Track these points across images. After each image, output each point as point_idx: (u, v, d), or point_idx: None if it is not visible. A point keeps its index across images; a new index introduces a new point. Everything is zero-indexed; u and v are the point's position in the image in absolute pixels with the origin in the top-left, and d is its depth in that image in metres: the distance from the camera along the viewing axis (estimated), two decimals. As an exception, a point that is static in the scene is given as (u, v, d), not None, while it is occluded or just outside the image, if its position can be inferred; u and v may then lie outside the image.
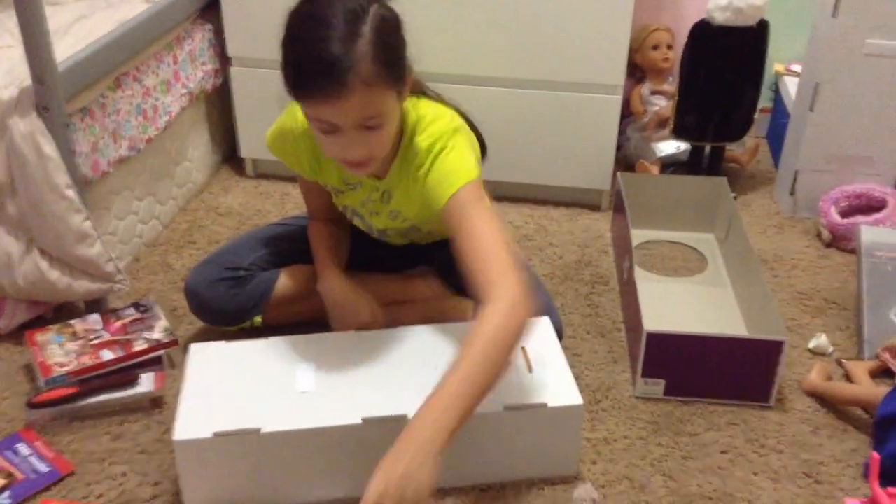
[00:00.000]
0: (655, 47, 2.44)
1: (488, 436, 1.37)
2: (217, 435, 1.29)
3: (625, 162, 2.44)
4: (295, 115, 1.51)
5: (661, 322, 1.61)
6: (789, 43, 2.48)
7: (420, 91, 1.50)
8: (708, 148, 2.32)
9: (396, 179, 1.50)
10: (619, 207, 2.06)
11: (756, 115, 2.32)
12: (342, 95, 1.26)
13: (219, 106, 2.39)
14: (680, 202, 2.13)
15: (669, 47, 2.45)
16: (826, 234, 2.11)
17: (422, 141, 1.43)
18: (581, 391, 1.39)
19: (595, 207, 2.29)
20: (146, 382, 1.58)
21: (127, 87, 1.90)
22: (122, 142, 1.88)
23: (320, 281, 1.63)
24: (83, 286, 1.71)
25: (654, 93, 2.47)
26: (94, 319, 1.69)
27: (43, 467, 1.43)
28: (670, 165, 2.36)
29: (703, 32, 2.16)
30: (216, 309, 1.65)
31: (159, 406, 1.58)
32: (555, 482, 1.42)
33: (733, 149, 2.39)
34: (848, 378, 1.66)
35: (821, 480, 1.44)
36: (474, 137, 1.51)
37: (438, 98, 1.53)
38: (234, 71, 2.27)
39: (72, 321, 1.68)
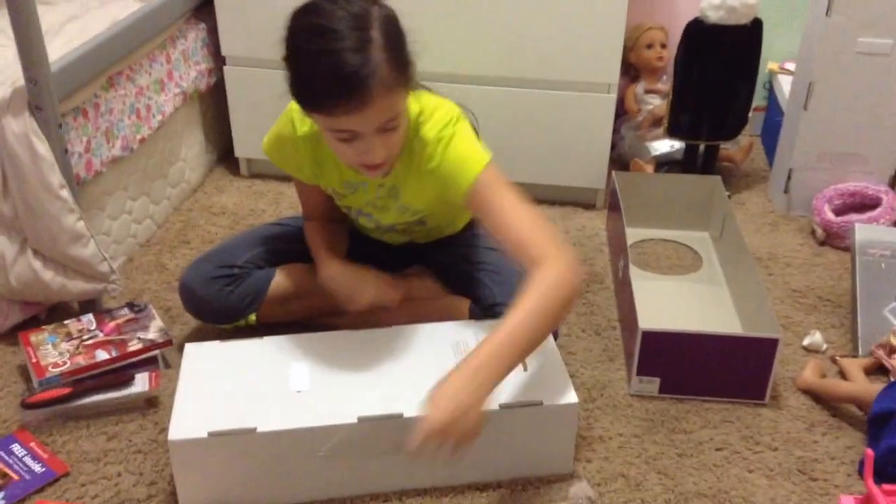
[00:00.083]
0: (649, 46, 2.45)
1: (484, 434, 1.36)
2: (212, 435, 1.29)
3: (619, 161, 2.44)
4: (292, 120, 1.51)
5: (656, 320, 1.61)
6: (783, 41, 2.49)
7: (416, 83, 1.50)
8: (702, 146, 2.33)
9: (404, 174, 1.49)
10: (613, 206, 2.06)
11: (750, 114, 2.33)
12: (365, 105, 1.26)
13: (213, 105, 2.39)
14: (674, 201, 2.13)
15: (663, 46, 2.45)
16: (820, 232, 2.12)
17: (428, 131, 1.44)
18: (576, 389, 1.40)
19: (590, 206, 2.29)
20: (141, 382, 1.57)
21: (120, 87, 1.90)
22: (115, 141, 1.87)
23: (319, 272, 1.63)
24: (77, 286, 1.70)
25: (648, 92, 2.47)
26: (88, 320, 1.68)
27: (38, 468, 1.42)
28: (665, 164, 2.37)
29: (697, 31, 2.17)
30: (210, 307, 1.65)
31: (154, 406, 1.57)
32: (550, 480, 1.42)
33: (727, 147, 2.40)
34: (842, 375, 1.66)
35: (815, 477, 1.44)
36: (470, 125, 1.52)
37: (430, 90, 1.53)
38: (228, 70, 2.27)
39: (66, 321, 1.68)
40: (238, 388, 1.39)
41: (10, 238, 1.66)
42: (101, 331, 1.66)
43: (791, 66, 2.42)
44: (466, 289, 1.67)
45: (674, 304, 1.89)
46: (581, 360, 1.71)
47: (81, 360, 1.58)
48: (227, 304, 1.64)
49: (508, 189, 1.40)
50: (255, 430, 1.30)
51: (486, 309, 1.63)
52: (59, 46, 1.74)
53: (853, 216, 2.08)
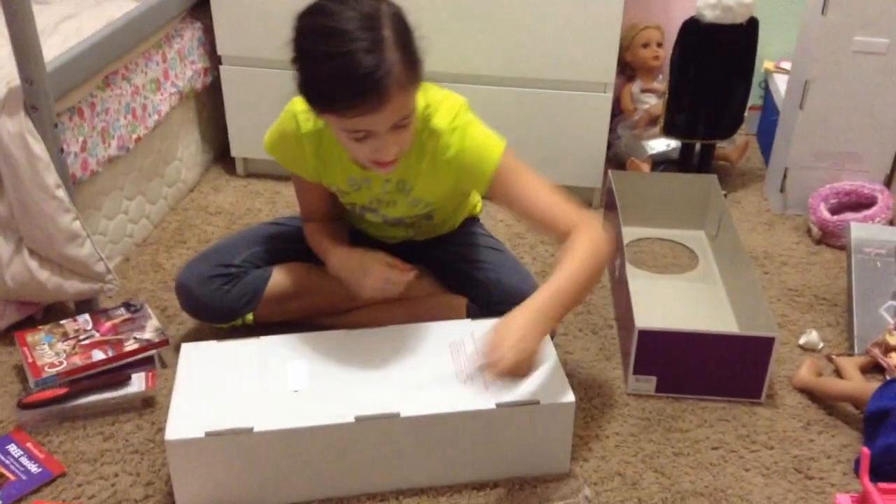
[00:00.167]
0: (645, 45, 2.45)
1: (480, 433, 1.37)
2: (209, 434, 1.29)
3: (615, 160, 2.44)
4: (295, 117, 1.50)
5: (653, 319, 1.61)
6: (779, 40, 2.49)
7: None
8: (698, 146, 2.33)
9: (415, 167, 1.50)
10: (610, 205, 2.07)
11: (746, 113, 2.33)
12: (382, 105, 1.26)
13: (209, 105, 2.39)
14: (671, 200, 2.13)
15: (659, 45, 2.45)
16: (816, 230, 2.12)
17: (439, 122, 1.45)
18: (573, 388, 1.40)
19: (586, 205, 2.30)
20: (137, 382, 1.57)
21: (116, 86, 1.89)
22: (111, 141, 1.87)
23: (328, 262, 1.62)
24: (73, 286, 1.70)
25: (644, 91, 2.47)
26: (85, 320, 1.68)
27: (34, 468, 1.42)
28: (661, 163, 2.37)
29: (693, 30, 2.17)
30: (207, 306, 1.65)
31: (151, 406, 1.57)
32: (547, 479, 1.42)
33: (723, 146, 2.40)
34: (838, 374, 1.67)
35: (812, 476, 1.45)
36: None
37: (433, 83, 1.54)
38: (224, 69, 2.26)
39: (62, 321, 1.68)
40: (235, 387, 1.39)
41: (5, 238, 1.65)
42: (98, 331, 1.65)
43: (787, 65, 2.43)
44: (464, 287, 1.68)
45: (670, 303, 1.89)
46: (578, 359, 1.71)
47: (78, 361, 1.58)
48: (223, 303, 1.64)
49: (527, 170, 1.46)
50: (252, 429, 1.30)
51: (483, 307, 1.63)
52: (55, 46, 1.73)
53: (849, 215, 2.09)
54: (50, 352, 1.60)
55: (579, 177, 2.24)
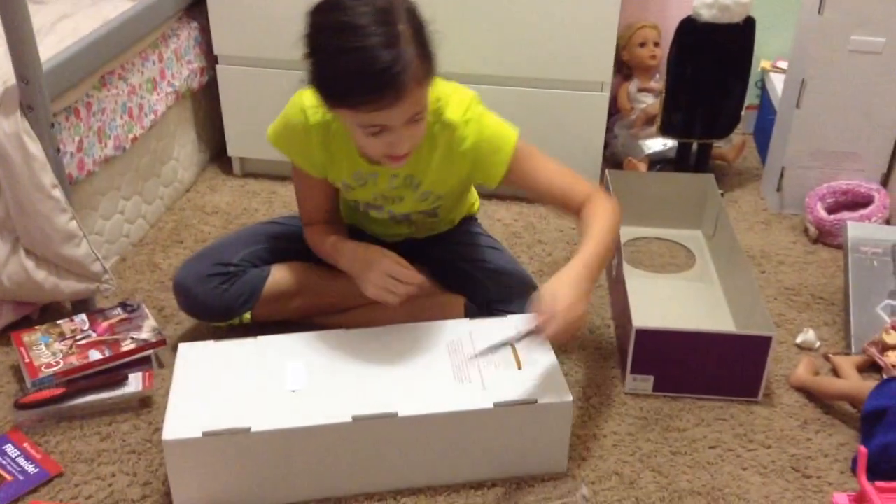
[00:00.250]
0: (642, 44, 2.45)
1: (478, 433, 1.37)
2: (206, 434, 1.29)
3: (612, 159, 2.44)
4: (302, 108, 1.49)
5: (650, 319, 1.61)
6: (775, 39, 2.49)
7: None
8: (695, 145, 2.33)
9: (426, 161, 1.50)
10: (607, 204, 2.06)
11: (743, 112, 2.33)
12: (399, 99, 1.27)
13: (205, 104, 2.38)
14: (668, 199, 2.13)
15: (656, 44, 2.45)
16: (813, 229, 2.12)
17: (452, 115, 1.46)
18: (570, 388, 1.40)
19: (583, 204, 2.29)
20: (134, 382, 1.57)
21: (112, 86, 1.89)
22: (107, 141, 1.87)
23: (340, 258, 1.59)
24: (70, 286, 1.70)
25: (641, 90, 2.47)
26: (81, 320, 1.68)
27: (31, 468, 1.42)
28: (658, 162, 2.37)
29: (690, 29, 2.17)
30: (205, 305, 1.64)
31: (148, 406, 1.57)
32: (545, 479, 1.42)
33: (720, 146, 2.40)
34: (835, 373, 1.67)
35: (809, 475, 1.45)
36: None
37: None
38: (220, 69, 2.26)
39: (59, 321, 1.67)
40: (232, 387, 1.39)
41: (2, 238, 1.65)
42: (95, 331, 1.65)
43: (783, 64, 2.43)
44: (462, 286, 1.68)
45: (667, 302, 1.89)
46: (575, 358, 1.72)
47: (75, 361, 1.57)
48: (221, 302, 1.64)
49: (538, 154, 1.53)
50: (249, 429, 1.30)
51: (481, 306, 1.63)
52: (51, 45, 1.73)
53: (845, 214, 2.09)
54: (47, 352, 1.59)
55: (576, 176, 2.24)
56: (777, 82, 2.40)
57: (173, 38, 2.15)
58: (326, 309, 1.71)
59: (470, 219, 1.82)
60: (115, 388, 1.55)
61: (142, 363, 1.63)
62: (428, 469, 1.39)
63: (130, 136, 1.96)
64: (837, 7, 1.98)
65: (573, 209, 1.52)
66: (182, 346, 1.48)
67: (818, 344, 1.76)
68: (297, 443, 1.32)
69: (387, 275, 1.51)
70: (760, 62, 2.53)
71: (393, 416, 1.33)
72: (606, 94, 2.15)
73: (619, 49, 2.42)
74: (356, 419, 1.32)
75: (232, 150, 2.38)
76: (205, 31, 2.26)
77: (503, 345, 1.41)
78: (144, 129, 2.02)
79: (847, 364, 1.65)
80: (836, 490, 1.41)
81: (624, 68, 2.51)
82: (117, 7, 1.97)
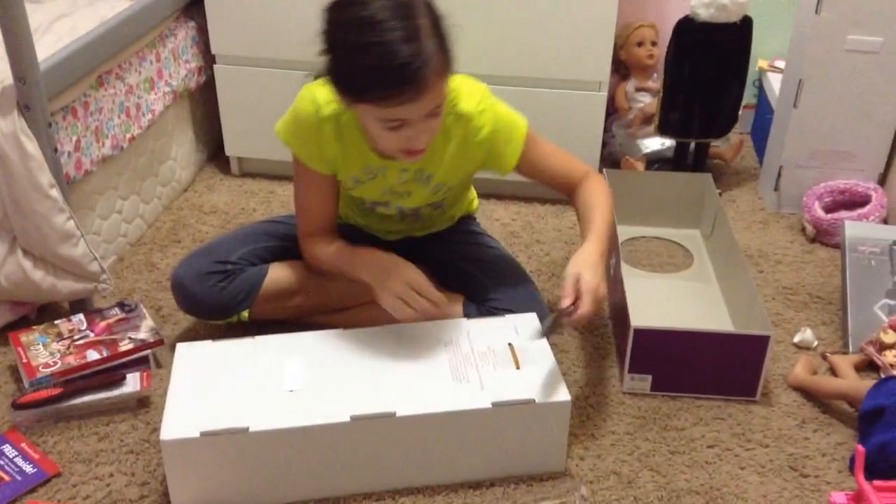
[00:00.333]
0: (640, 44, 2.45)
1: (476, 432, 1.37)
2: (204, 434, 1.29)
3: (610, 159, 2.44)
4: (314, 101, 1.48)
5: (648, 318, 1.61)
6: (773, 39, 2.49)
7: None
8: (693, 144, 2.33)
9: (440, 153, 1.51)
10: (604, 204, 2.06)
11: (740, 112, 2.33)
12: (420, 94, 1.28)
13: (203, 104, 2.38)
14: (665, 198, 2.13)
15: (654, 44, 2.45)
16: (810, 229, 2.12)
17: (466, 106, 1.47)
18: (568, 387, 1.40)
19: (581, 204, 2.29)
20: (132, 382, 1.57)
21: (110, 86, 1.89)
22: (105, 140, 1.87)
23: (354, 264, 1.56)
24: (67, 286, 1.70)
25: (638, 89, 2.47)
26: (79, 319, 1.68)
27: (29, 468, 1.42)
28: (655, 162, 2.37)
29: (687, 29, 2.17)
30: (203, 302, 1.64)
31: (146, 406, 1.57)
32: (543, 478, 1.42)
33: (718, 145, 2.40)
34: (833, 372, 1.67)
35: (807, 474, 1.45)
36: None
37: None
38: (218, 69, 2.26)
39: (56, 321, 1.67)
40: (230, 387, 1.39)
41: (-1, 238, 1.65)
42: (92, 331, 1.65)
43: (781, 63, 2.43)
44: (461, 285, 1.68)
45: (665, 301, 1.89)
46: (573, 357, 1.72)
47: (72, 361, 1.57)
48: (219, 300, 1.64)
49: (543, 140, 1.60)
50: (247, 429, 1.30)
51: (480, 304, 1.63)
52: (48, 45, 1.73)
53: (843, 213, 2.09)
54: (44, 352, 1.59)
55: (574, 176, 2.24)
56: (774, 82, 2.40)
57: (171, 37, 2.15)
58: (324, 308, 1.71)
59: (468, 218, 1.83)
60: (113, 388, 1.55)
61: (139, 363, 1.63)
62: (426, 469, 1.39)
63: (128, 135, 1.96)
64: (835, 7, 1.98)
65: (570, 188, 1.60)
66: (180, 346, 1.48)
67: (816, 343, 1.76)
68: (296, 443, 1.32)
69: (408, 286, 1.48)
70: (758, 62, 2.53)
71: (391, 415, 1.33)
72: (604, 94, 2.15)
73: (617, 48, 2.42)
74: (354, 419, 1.32)
75: (230, 150, 2.37)
76: (202, 30, 2.26)
77: (551, 326, 1.45)
78: (142, 128, 2.02)
79: (845, 363, 1.65)
80: (833, 489, 1.41)
81: (621, 68, 2.51)
82: (114, 6, 1.97)
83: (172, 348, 1.49)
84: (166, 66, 2.13)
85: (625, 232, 2.10)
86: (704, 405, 1.60)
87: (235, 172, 2.41)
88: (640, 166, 2.32)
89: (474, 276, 1.67)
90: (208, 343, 1.49)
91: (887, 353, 1.65)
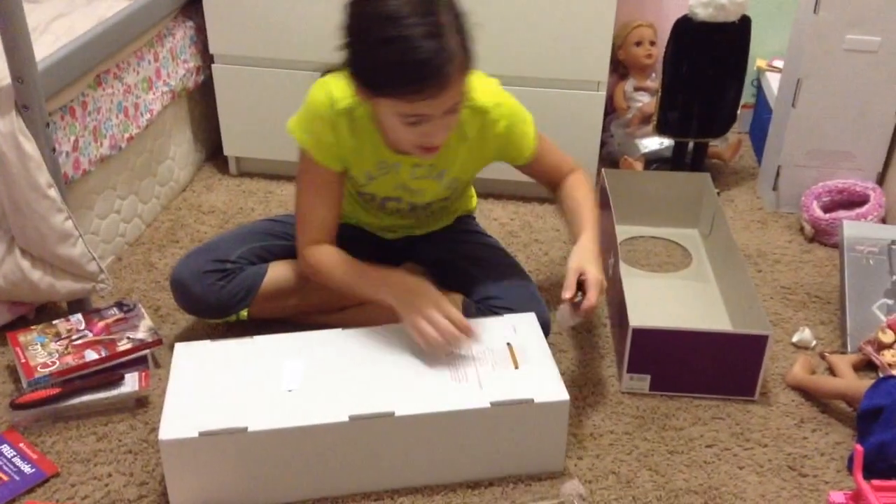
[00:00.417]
0: (638, 43, 2.45)
1: (475, 432, 1.37)
2: (203, 434, 1.29)
3: (609, 158, 2.44)
4: (329, 95, 1.47)
5: (647, 318, 1.61)
6: (771, 38, 2.50)
7: None
8: (691, 144, 2.33)
9: (455, 148, 1.52)
10: (603, 203, 2.06)
11: (738, 111, 2.33)
12: (442, 90, 1.29)
13: (201, 103, 2.38)
14: (664, 198, 2.13)
15: (652, 43, 2.45)
16: (809, 228, 2.12)
17: (482, 99, 1.48)
18: (567, 387, 1.40)
19: (579, 204, 2.29)
20: (131, 382, 1.57)
21: (108, 85, 1.89)
22: (103, 140, 1.86)
23: (379, 285, 1.50)
24: (65, 286, 1.69)
25: (637, 89, 2.47)
26: (77, 319, 1.67)
27: (27, 468, 1.41)
28: (654, 161, 2.37)
29: (686, 28, 2.17)
30: (202, 301, 1.64)
31: (144, 406, 1.57)
32: (541, 478, 1.42)
33: (716, 145, 2.40)
34: (831, 372, 1.67)
35: (805, 473, 1.45)
36: None
37: None
38: (216, 68, 2.26)
39: (54, 321, 1.67)
40: (229, 387, 1.39)
41: (-3, 238, 1.65)
42: (91, 331, 1.65)
43: (779, 63, 2.43)
44: (460, 283, 1.68)
45: (664, 301, 1.90)
46: (572, 357, 1.72)
47: (70, 361, 1.57)
48: (218, 299, 1.64)
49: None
50: (246, 429, 1.30)
51: (479, 302, 1.63)
52: (46, 45, 1.73)
53: (841, 213, 2.09)
54: (42, 352, 1.59)
55: (573, 175, 2.24)
56: (773, 81, 2.40)
57: (169, 37, 2.15)
58: (323, 307, 1.70)
59: (467, 217, 1.83)
60: (112, 388, 1.55)
61: (138, 363, 1.63)
62: (425, 468, 1.39)
63: (126, 135, 1.95)
64: (833, 6, 1.99)
65: (557, 182, 1.66)
66: (178, 346, 1.48)
67: (814, 343, 1.76)
68: (294, 442, 1.32)
69: (437, 310, 1.42)
70: (756, 61, 2.53)
71: (390, 415, 1.33)
72: (603, 94, 2.15)
73: (616, 48, 2.42)
74: (353, 419, 1.32)
75: (228, 150, 2.37)
76: (200, 30, 2.26)
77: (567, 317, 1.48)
78: (140, 128, 2.02)
79: (843, 363, 1.65)
80: (832, 489, 1.41)
81: (620, 67, 2.51)
82: (112, 6, 1.96)
83: (171, 348, 1.49)
84: (164, 66, 2.13)
85: (623, 231, 2.10)
86: (703, 405, 1.60)
87: (234, 172, 2.41)
88: (639, 166, 2.32)
89: (473, 275, 1.67)
90: (207, 343, 1.49)
91: (885, 352, 1.65)
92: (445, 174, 1.57)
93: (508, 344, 1.47)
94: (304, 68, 2.20)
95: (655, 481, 1.43)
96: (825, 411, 1.59)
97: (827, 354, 1.71)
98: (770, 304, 1.88)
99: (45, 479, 1.41)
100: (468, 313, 1.61)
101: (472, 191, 1.84)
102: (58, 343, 1.61)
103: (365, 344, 1.48)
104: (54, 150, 1.64)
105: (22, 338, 1.63)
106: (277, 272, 1.68)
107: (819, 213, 2.11)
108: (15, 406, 1.51)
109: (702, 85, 2.22)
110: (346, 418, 1.32)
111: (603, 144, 2.37)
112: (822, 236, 2.11)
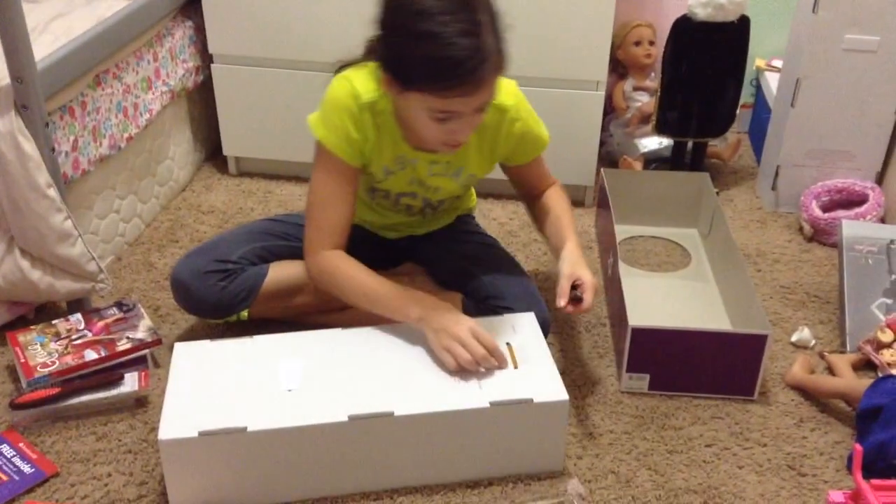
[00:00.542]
0: (637, 43, 2.45)
1: (474, 432, 1.37)
2: (202, 434, 1.29)
3: (608, 158, 2.44)
4: (354, 89, 1.46)
5: (646, 317, 1.62)
6: (770, 38, 2.50)
7: None
8: (690, 144, 2.33)
9: (475, 146, 1.53)
10: (603, 203, 2.07)
11: (738, 111, 2.33)
12: (477, 88, 1.30)
13: (200, 103, 2.38)
14: (663, 198, 2.14)
15: (651, 43, 2.46)
16: (808, 228, 2.13)
17: (504, 97, 1.49)
18: (566, 386, 1.40)
19: (579, 203, 2.30)
20: (130, 382, 1.57)
21: (107, 85, 1.88)
22: (102, 140, 1.86)
23: (406, 302, 1.46)
24: (65, 286, 1.69)
25: (636, 89, 2.47)
26: (77, 319, 1.67)
27: (27, 468, 1.41)
28: (653, 161, 2.37)
29: (685, 28, 2.17)
30: (202, 301, 1.64)
31: (144, 406, 1.57)
32: (541, 477, 1.42)
33: (715, 144, 2.41)
34: (830, 371, 1.67)
35: (805, 473, 1.45)
36: None
37: None
38: (215, 68, 2.25)
39: (54, 321, 1.67)
40: (228, 387, 1.38)
41: (-4, 238, 1.65)
42: (90, 330, 1.65)
43: (778, 63, 2.43)
44: (461, 284, 1.68)
45: (663, 300, 1.90)
46: (571, 357, 1.72)
47: (70, 360, 1.57)
48: (219, 299, 1.64)
49: None
50: (245, 429, 1.30)
51: (478, 301, 1.63)
52: (46, 44, 1.72)
53: (840, 212, 2.10)
54: (42, 352, 1.59)
55: (572, 175, 2.24)
56: (772, 81, 2.40)
57: (168, 36, 2.15)
58: (323, 307, 1.70)
59: (467, 216, 1.83)
60: (111, 388, 1.55)
61: (137, 363, 1.63)
62: (424, 468, 1.39)
63: (125, 135, 1.95)
64: (832, 6, 1.99)
65: (538, 193, 1.70)
66: (178, 346, 1.48)
67: (813, 342, 1.76)
68: (294, 442, 1.32)
69: (470, 332, 1.40)
70: (755, 61, 2.53)
71: (389, 415, 1.33)
72: (602, 93, 2.15)
73: (615, 48, 2.42)
74: (352, 418, 1.32)
75: (227, 150, 2.37)
76: (199, 29, 2.26)
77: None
78: (139, 128, 2.01)
79: (842, 362, 1.65)
80: (831, 488, 1.42)
81: (619, 67, 2.51)
82: (112, 6, 1.96)
83: (170, 348, 1.49)
84: (164, 66, 2.13)
85: (623, 231, 2.10)
86: (702, 404, 1.60)
87: (233, 172, 2.41)
88: (638, 166, 2.33)
89: (473, 274, 1.67)
90: (206, 343, 1.49)
91: (885, 351, 1.66)
92: (462, 171, 1.58)
93: (508, 344, 1.47)
94: (304, 68, 2.20)
95: (655, 481, 1.43)
96: (824, 411, 1.59)
97: (826, 354, 1.71)
98: (769, 304, 1.89)
99: (44, 478, 1.41)
100: (467, 313, 1.62)
101: (472, 190, 1.84)
102: (57, 343, 1.61)
103: (364, 344, 1.48)
104: (53, 149, 1.64)
105: (21, 338, 1.63)
106: (279, 273, 1.68)
107: (818, 212, 2.11)
108: (14, 406, 1.51)
109: (701, 85, 2.22)
110: (345, 418, 1.32)
111: (602, 144, 2.37)
112: (822, 236, 2.11)
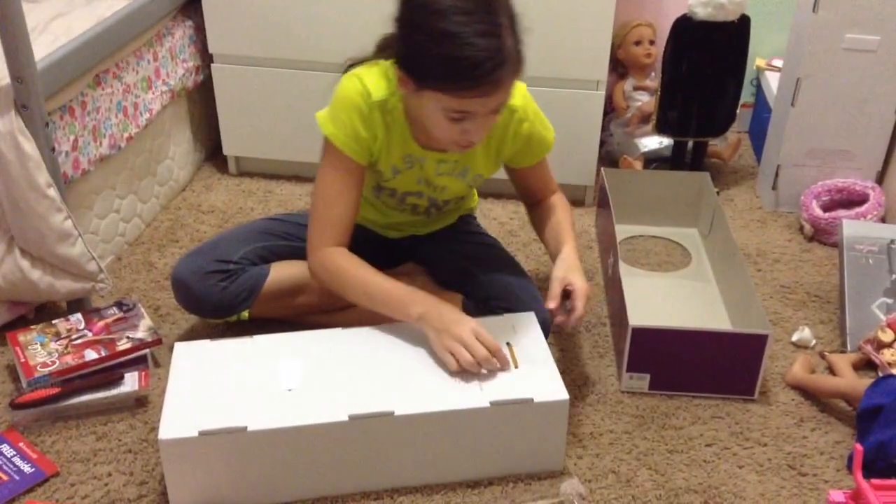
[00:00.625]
0: (637, 43, 2.45)
1: (475, 431, 1.37)
2: (203, 433, 1.29)
3: (608, 158, 2.44)
4: (365, 87, 1.45)
5: (646, 317, 1.62)
6: (770, 38, 2.50)
7: None
8: (691, 143, 2.33)
9: (485, 146, 1.54)
10: (603, 203, 2.07)
11: (738, 111, 2.33)
12: (496, 89, 1.31)
13: (201, 103, 2.38)
14: (663, 197, 2.14)
15: (651, 43, 2.46)
16: (808, 228, 2.12)
17: (514, 98, 1.47)
18: (567, 386, 1.40)
19: (579, 203, 2.30)
20: (130, 382, 1.56)
21: (107, 85, 1.88)
22: (102, 140, 1.86)
23: (410, 302, 1.45)
24: (65, 286, 1.69)
25: (636, 88, 2.47)
26: (77, 319, 1.67)
27: (27, 468, 1.41)
28: (653, 161, 2.37)
29: (685, 28, 2.17)
30: (203, 301, 1.64)
31: (144, 405, 1.57)
32: (541, 477, 1.42)
33: (716, 144, 2.41)
34: (831, 371, 1.67)
35: (805, 472, 1.45)
36: None
37: None
38: (215, 68, 2.25)
39: (54, 321, 1.67)
40: (228, 386, 1.38)
41: (-3, 237, 1.65)
42: (90, 330, 1.65)
43: (778, 62, 2.43)
44: (462, 284, 1.68)
45: (663, 300, 1.90)
46: (571, 356, 1.72)
47: (70, 360, 1.57)
48: (220, 299, 1.63)
49: None
50: (245, 428, 1.29)
51: (479, 302, 1.63)
52: (46, 44, 1.72)
53: (841, 212, 2.10)
54: (42, 351, 1.59)
55: (572, 174, 2.24)
56: (772, 80, 2.40)
57: (168, 36, 2.15)
58: (324, 308, 1.70)
59: (468, 216, 1.83)
60: (111, 388, 1.55)
61: (138, 362, 1.63)
62: (424, 468, 1.39)
63: (125, 135, 1.95)
64: (832, 6, 1.99)
65: (540, 198, 1.70)
66: (178, 346, 1.48)
67: (814, 342, 1.76)
68: (294, 442, 1.32)
69: (473, 334, 1.39)
70: (756, 60, 2.53)
71: (389, 414, 1.33)
72: (602, 93, 2.15)
73: (615, 47, 2.42)
74: (353, 418, 1.32)
75: (227, 149, 2.37)
76: (199, 29, 2.26)
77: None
78: (139, 127, 2.01)
79: (843, 362, 1.65)
80: (831, 488, 1.41)
81: (619, 67, 2.51)
82: (112, 6, 1.96)
83: (171, 348, 1.49)
84: (164, 66, 2.13)
85: (623, 231, 2.10)
86: (703, 404, 1.60)
87: (233, 172, 2.41)
88: (638, 165, 2.33)
89: (473, 274, 1.67)
90: (206, 342, 1.49)
91: (885, 351, 1.66)
92: (468, 171, 1.58)
93: (508, 343, 1.47)
94: (304, 68, 2.20)
95: (655, 480, 1.43)
96: (825, 410, 1.59)
97: (826, 353, 1.71)
98: (769, 304, 1.89)
99: (44, 478, 1.41)
100: (468, 313, 1.61)
101: (474, 190, 1.84)
102: (57, 343, 1.61)
103: (364, 344, 1.48)
104: (53, 149, 1.64)
105: (21, 337, 1.63)
106: (280, 273, 1.68)
107: (818, 212, 2.11)
108: (15, 406, 1.51)
109: (701, 84, 2.22)
110: (345, 418, 1.32)
111: (602, 144, 2.37)
112: (822, 235, 2.11)
